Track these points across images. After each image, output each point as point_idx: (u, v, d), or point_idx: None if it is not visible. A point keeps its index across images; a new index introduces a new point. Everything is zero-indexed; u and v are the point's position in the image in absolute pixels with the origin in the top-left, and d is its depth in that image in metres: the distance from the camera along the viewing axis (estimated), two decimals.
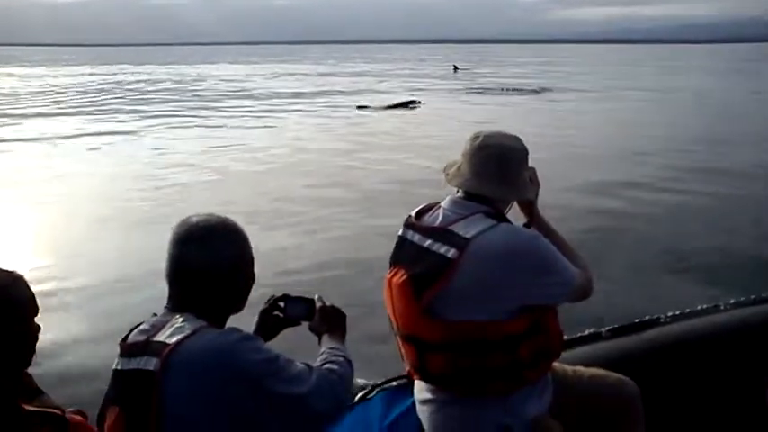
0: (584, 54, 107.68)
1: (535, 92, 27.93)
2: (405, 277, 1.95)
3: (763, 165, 11.40)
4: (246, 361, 1.52)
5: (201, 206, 4.72)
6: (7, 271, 1.60)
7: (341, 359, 1.76)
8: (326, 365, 1.71)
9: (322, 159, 12.84)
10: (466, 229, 1.90)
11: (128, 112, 22.31)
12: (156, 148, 14.57)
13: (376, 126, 18.14)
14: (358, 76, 44.99)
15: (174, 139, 16.12)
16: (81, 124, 18.96)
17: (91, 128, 18.10)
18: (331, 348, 1.80)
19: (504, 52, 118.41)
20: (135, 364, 1.53)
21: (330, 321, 1.89)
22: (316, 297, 1.95)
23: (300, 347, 1.83)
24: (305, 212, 8.61)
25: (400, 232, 2.07)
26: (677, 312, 2.75)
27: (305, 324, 1.93)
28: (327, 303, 1.94)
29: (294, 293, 1.96)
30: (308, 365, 1.65)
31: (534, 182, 2.08)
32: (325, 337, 1.86)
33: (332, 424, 1.72)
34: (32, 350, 1.61)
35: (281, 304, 1.94)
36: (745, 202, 9.01)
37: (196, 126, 18.58)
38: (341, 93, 29.99)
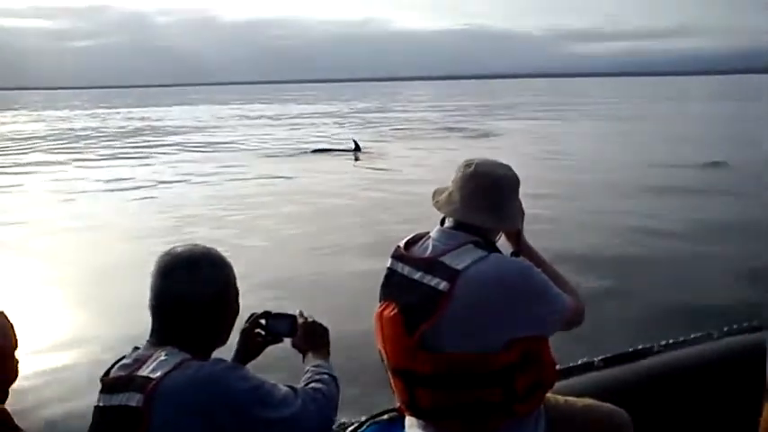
0: (586, 88, 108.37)
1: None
2: (395, 311, 1.93)
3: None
4: (232, 390, 1.50)
5: None
6: None
7: (326, 377, 1.74)
8: (311, 385, 1.70)
9: None
10: (456, 261, 1.88)
11: None
12: None
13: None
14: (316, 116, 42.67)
15: None
16: None
17: None
18: (315, 366, 1.79)
19: (514, 88, 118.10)
20: (117, 400, 1.50)
21: (313, 336, 1.88)
22: (297, 312, 1.92)
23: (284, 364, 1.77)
24: None
25: (389, 264, 2.03)
26: (670, 341, 2.74)
27: (288, 341, 1.90)
28: (309, 318, 1.92)
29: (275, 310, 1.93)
30: (292, 388, 1.64)
31: (520, 211, 2.08)
32: (309, 355, 1.85)
33: None
34: (10, 384, 1.58)
35: (263, 322, 1.91)
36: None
37: None
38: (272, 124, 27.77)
